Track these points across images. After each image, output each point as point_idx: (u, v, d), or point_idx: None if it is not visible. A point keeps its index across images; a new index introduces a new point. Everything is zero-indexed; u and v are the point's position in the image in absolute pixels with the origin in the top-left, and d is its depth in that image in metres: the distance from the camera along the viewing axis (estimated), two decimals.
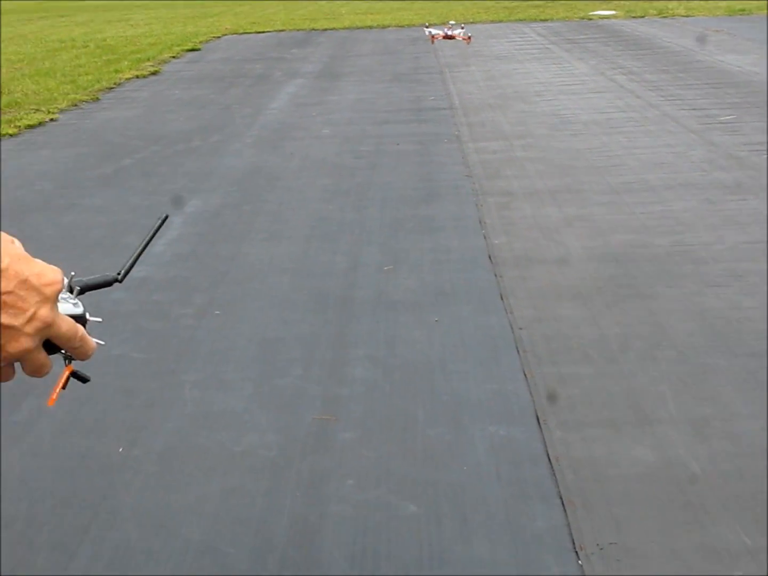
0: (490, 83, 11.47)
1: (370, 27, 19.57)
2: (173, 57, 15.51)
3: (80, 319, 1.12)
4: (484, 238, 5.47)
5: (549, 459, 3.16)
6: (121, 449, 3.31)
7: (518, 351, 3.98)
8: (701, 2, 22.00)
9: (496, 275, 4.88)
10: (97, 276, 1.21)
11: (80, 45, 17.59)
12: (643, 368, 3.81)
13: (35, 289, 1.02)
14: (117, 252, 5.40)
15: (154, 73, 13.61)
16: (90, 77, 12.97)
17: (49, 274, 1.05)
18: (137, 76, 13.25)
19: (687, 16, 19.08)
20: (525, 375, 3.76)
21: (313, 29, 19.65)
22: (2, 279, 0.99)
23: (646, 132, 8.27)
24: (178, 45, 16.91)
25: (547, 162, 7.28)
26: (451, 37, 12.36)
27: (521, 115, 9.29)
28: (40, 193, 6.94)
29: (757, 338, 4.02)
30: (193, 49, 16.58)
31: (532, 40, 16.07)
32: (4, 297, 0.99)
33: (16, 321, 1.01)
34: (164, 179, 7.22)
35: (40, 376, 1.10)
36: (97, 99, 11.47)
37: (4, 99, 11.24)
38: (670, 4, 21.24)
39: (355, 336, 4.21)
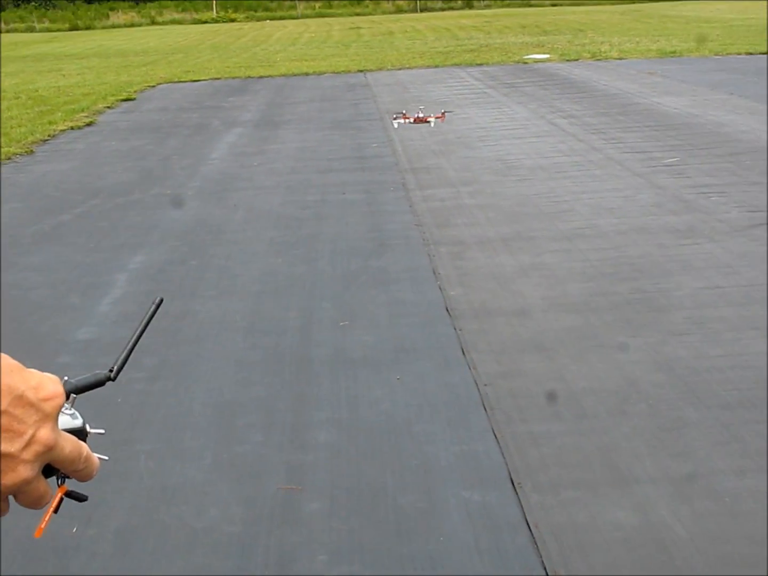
0: (431, 129, 11.42)
1: (306, 74, 19.49)
2: (108, 107, 15.25)
3: (80, 433, 0.95)
4: (440, 289, 5.35)
5: (528, 526, 3.03)
6: (75, 529, 3.11)
7: (485, 409, 3.85)
8: (633, 45, 22.27)
9: (455, 329, 4.75)
10: (87, 375, 1.02)
11: (11, 96, 17.27)
12: (615, 424, 3.71)
13: (33, 406, 0.85)
14: (60, 314, 5.20)
15: (89, 124, 13.36)
16: (23, 129, 12.67)
17: (48, 386, 0.88)
18: (72, 128, 12.99)
19: (620, 59, 19.28)
20: (495, 434, 3.63)
21: (249, 77, 19.52)
22: None
23: (592, 176, 8.23)
24: (113, 95, 16.66)
25: (496, 209, 7.19)
26: (423, 120, 12.00)
27: (466, 161, 9.22)
28: None
29: (726, 388, 3.94)
30: (128, 99, 16.35)
31: (469, 85, 16.11)
32: None
33: (12, 447, 0.84)
34: (105, 234, 7.00)
35: (38, 508, 0.92)
36: (32, 152, 11.20)
37: None
38: (603, 47, 21.48)
39: (316, 397, 4.05)
